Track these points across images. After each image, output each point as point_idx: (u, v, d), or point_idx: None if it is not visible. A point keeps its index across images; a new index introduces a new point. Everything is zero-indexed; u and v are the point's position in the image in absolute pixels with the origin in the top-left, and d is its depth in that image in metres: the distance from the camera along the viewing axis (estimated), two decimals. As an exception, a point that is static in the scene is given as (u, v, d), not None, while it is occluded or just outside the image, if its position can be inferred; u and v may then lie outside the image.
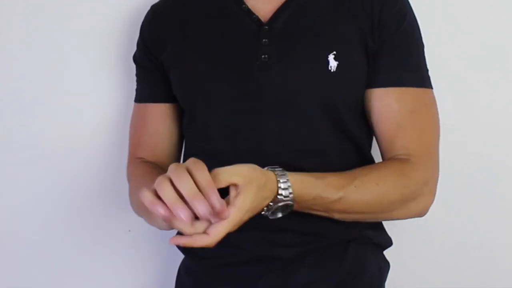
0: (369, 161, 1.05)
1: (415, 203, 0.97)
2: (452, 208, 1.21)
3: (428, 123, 0.99)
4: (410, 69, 0.98)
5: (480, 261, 1.25)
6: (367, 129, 1.05)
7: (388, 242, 1.10)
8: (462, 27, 1.18)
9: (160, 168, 1.08)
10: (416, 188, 0.96)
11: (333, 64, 0.95)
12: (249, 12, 0.99)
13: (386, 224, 1.11)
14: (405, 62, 0.98)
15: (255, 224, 1.00)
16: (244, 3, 0.99)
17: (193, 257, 1.09)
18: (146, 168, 1.08)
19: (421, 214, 1.00)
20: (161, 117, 1.09)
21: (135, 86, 1.13)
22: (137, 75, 1.12)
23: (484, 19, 1.17)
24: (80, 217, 1.27)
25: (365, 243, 1.05)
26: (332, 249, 1.01)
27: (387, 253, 1.11)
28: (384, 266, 1.09)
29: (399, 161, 0.97)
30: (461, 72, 1.17)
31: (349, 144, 1.01)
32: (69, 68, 1.23)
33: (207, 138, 1.01)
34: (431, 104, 1.00)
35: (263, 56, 0.96)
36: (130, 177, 1.10)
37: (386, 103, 0.98)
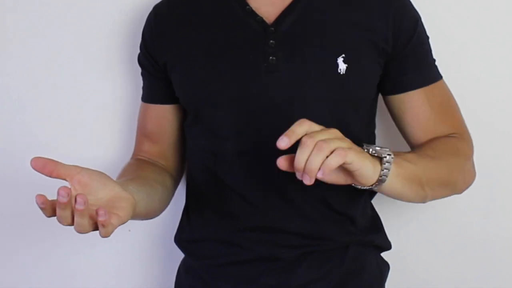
0: None
1: (468, 177, 1.03)
2: (452, 209, 1.21)
3: (455, 107, 1.05)
4: (430, 66, 1.03)
5: (480, 263, 1.25)
6: (373, 132, 1.07)
7: (387, 245, 1.11)
8: (462, 27, 1.18)
9: (151, 164, 1.08)
10: (467, 165, 1.02)
11: (342, 66, 0.95)
12: (253, 13, 0.98)
13: (385, 227, 1.11)
14: (425, 60, 1.02)
15: (258, 225, 1.01)
16: (248, 4, 0.99)
17: (193, 256, 1.09)
18: (131, 162, 1.09)
19: (463, 190, 1.04)
20: (159, 118, 1.10)
21: (138, 86, 1.14)
22: (142, 74, 1.11)
23: (484, 18, 1.18)
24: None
25: (365, 245, 1.06)
26: (333, 250, 1.02)
27: (387, 255, 1.11)
28: (383, 268, 1.10)
29: (447, 139, 1.01)
30: (461, 73, 1.17)
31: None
32: (73, 68, 1.22)
33: (212, 138, 1.01)
34: (449, 90, 1.05)
35: (270, 58, 0.96)
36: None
37: (419, 104, 1.01)
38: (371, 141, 1.07)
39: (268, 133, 0.97)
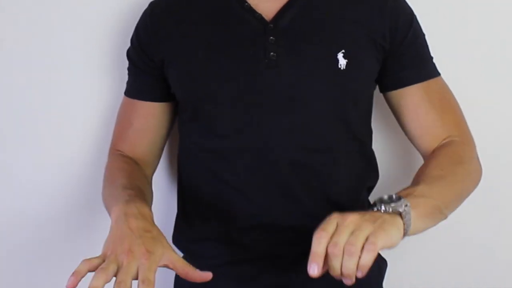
0: (372, 157, 1.08)
1: (476, 177, 1.01)
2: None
3: (455, 104, 1.05)
4: (427, 62, 1.04)
5: (478, 259, 1.26)
6: (370, 127, 1.07)
7: (386, 241, 1.11)
8: (461, 27, 1.20)
9: (137, 165, 1.08)
10: (473, 166, 1.01)
11: (342, 62, 0.96)
12: (251, 10, 0.99)
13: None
14: (422, 56, 1.04)
15: (259, 223, 1.01)
16: (246, 1, 0.99)
17: (193, 256, 1.08)
18: (122, 165, 1.08)
19: (474, 189, 1.03)
20: (147, 115, 1.09)
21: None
22: (129, 69, 1.10)
23: (483, 17, 1.19)
24: (78, 216, 1.25)
25: (364, 242, 1.06)
26: (332, 248, 1.02)
27: (385, 251, 1.11)
28: (382, 265, 1.11)
29: (448, 147, 1.00)
30: (459, 74, 1.18)
31: (355, 141, 1.02)
32: (64, 67, 1.21)
33: (211, 136, 1.01)
34: (447, 87, 1.05)
35: (271, 54, 0.96)
36: (107, 167, 1.09)
37: (418, 99, 1.02)
38: (369, 135, 1.08)
39: (268, 129, 0.98)
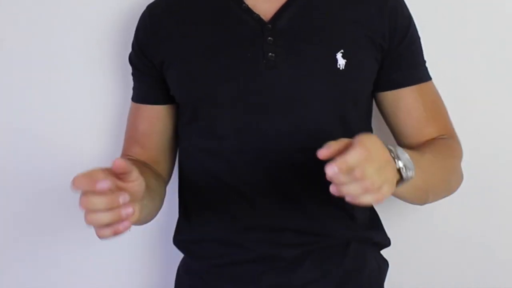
0: None
1: (459, 178, 1.02)
2: (450, 206, 1.22)
3: (444, 109, 1.06)
4: (421, 65, 1.04)
5: (479, 260, 1.26)
6: (370, 127, 1.07)
7: (387, 242, 1.11)
8: (460, 27, 1.20)
9: (145, 164, 1.07)
10: (460, 168, 1.02)
11: (341, 62, 0.96)
12: (249, 11, 0.99)
13: (384, 223, 1.11)
14: (418, 59, 1.04)
15: (259, 224, 1.01)
16: (244, 2, 0.99)
17: (194, 257, 1.08)
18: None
19: (454, 191, 1.04)
20: (151, 119, 1.09)
21: (131, 86, 1.12)
22: (132, 74, 1.10)
23: (482, 18, 1.19)
24: (78, 216, 1.26)
25: (365, 242, 1.06)
26: (333, 248, 1.02)
27: (386, 252, 1.11)
28: (383, 265, 1.11)
29: (446, 140, 1.02)
30: (459, 74, 1.18)
31: None
32: (64, 67, 1.21)
33: (211, 137, 1.01)
34: (438, 91, 1.06)
35: (269, 54, 0.96)
36: None
37: (412, 101, 1.02)
38: None
39: (268, 130, 0.98)
